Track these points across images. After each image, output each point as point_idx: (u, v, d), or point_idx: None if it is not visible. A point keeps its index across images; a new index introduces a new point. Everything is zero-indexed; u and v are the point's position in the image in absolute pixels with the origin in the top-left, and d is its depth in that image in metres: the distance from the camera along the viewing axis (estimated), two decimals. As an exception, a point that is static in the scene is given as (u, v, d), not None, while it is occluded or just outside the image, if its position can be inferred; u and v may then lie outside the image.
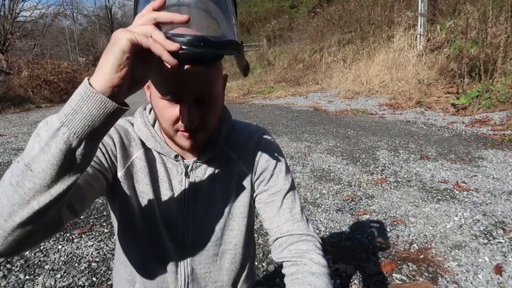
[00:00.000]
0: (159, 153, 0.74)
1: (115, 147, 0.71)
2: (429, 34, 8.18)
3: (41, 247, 2.20)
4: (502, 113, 5.21)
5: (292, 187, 0.81)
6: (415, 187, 3.01)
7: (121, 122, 0.76)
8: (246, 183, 0.79)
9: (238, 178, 0.79)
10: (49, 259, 2.08)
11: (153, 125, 0.76)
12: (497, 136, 4.46)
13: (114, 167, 0.71)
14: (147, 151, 0.75)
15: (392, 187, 3.04)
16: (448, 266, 1.91)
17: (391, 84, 7.78)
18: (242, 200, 0.79)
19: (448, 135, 4.72)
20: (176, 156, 0.74)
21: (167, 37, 0.47)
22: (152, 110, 0.77)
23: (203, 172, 0.76)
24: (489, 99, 5.61)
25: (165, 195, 0.74)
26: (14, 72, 12.81)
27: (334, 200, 2.84)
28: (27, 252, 2.14)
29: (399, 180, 3.19)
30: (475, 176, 3.17)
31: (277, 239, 0.78)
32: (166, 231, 0.75)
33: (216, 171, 0.77)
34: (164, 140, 0.74)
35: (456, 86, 6.41)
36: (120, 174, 0.72)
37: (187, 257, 0.77)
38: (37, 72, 11.90)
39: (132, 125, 0.76)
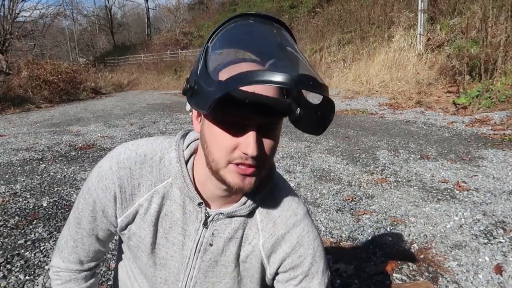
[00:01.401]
0: (182, 193, 0.67)
1: (114, 202, 0.68)
2: (429, 34, 8.18)
3: (41, 248, 2.20)
4: (502, 112, 5.21)
5: None
6: (415, 187, 3.01)
7: (132, 157, 0.68)
8: (256, 261, 0.71)
9: (251, 250, 0.70)
10: (49, 259, 2.08)
11: (186, 163, 0.68)
12: (497, 135, 4.46)
13: (115, 219, 0.70)
14: (160, 191, 0.68)
15: (392, 187, 3.03)
16: (448, 266, 1.91)
17: (391, 84, 7.78)
18: (254, 267, 0.72)
19: (448, 134, 4.72)
20: (200, 204, 0.67)
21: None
22: (189, 145, 0.70)
23: (224, 226, 0.68)
24: (489, 99, 5.61)
25: (174, 238, 0.69)
26: (14, 72, 12.82)
27: (334, 200, 2.84)
28: (27, 253, 2.14)
29: (399, 180, 3.19)
30: (475, 176, 3.16)
31: None
32: (165, 278, 0.71)
33: (237, 230, 0.69)
34: (194, 183, 0.67)
35: (457, 84, 6.41)
36: (120, 219, 0.69)
37: None
38: (36, 72, 11.90)
39: (159, 157, 0.68)
